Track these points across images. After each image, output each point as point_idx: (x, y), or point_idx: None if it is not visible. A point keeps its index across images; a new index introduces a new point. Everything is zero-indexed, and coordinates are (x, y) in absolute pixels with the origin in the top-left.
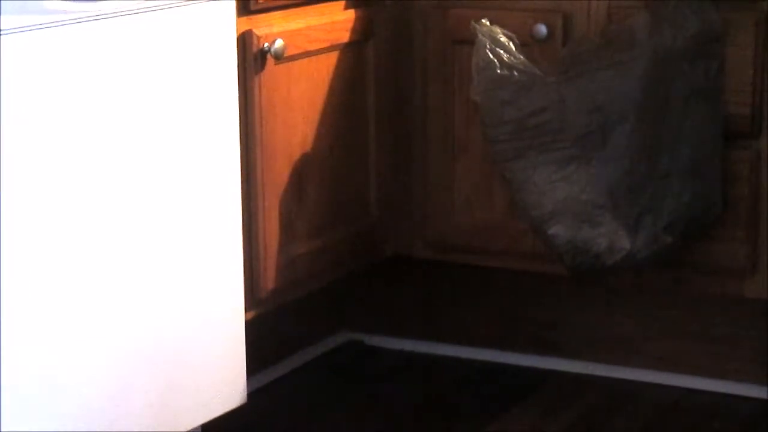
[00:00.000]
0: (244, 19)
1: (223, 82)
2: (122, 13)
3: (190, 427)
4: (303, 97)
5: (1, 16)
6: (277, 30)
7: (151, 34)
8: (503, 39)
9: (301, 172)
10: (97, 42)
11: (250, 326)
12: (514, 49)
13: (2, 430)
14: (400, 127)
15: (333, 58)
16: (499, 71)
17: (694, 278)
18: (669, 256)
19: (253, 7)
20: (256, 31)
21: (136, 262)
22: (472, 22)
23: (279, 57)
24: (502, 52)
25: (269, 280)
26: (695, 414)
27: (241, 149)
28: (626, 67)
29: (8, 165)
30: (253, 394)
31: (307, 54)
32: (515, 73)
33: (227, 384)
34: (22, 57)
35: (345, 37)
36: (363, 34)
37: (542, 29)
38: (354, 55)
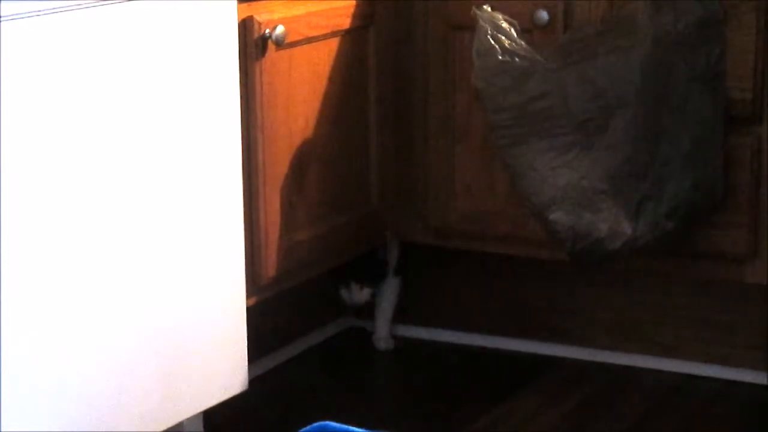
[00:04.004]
0: (245, 5)
1: (224, 69)
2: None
3: (191, 414)
4: (304, 83)
5: (1, 1)
6: (278, 16)
7: (152, 20)
8: (504, 25)
9: (302, 158)
10: (98, 28)
11: (251, 313)
12: (515, 35)
13: (2, 429)
14: (400, 114)
15: (334, 44)
16: (500, 57)
17: (695, 264)
18: (670, 242)
19: None
20: (257, 18)
21: (137, 250)
22: (473, 8)
23: (280, 43)
24: (503, 38)
25: (270, 266)
26: (696, 399)
27: (242, 136)
28: (627, 52)
29: (9, 154)
30: (254, 381)
31: (308, 40)
32: (516, 59)
33: (229, 370)
34: (22, 43)
35: (346, 23)
36: (364, 20)
37: (543, 15)
38: (355, 41)
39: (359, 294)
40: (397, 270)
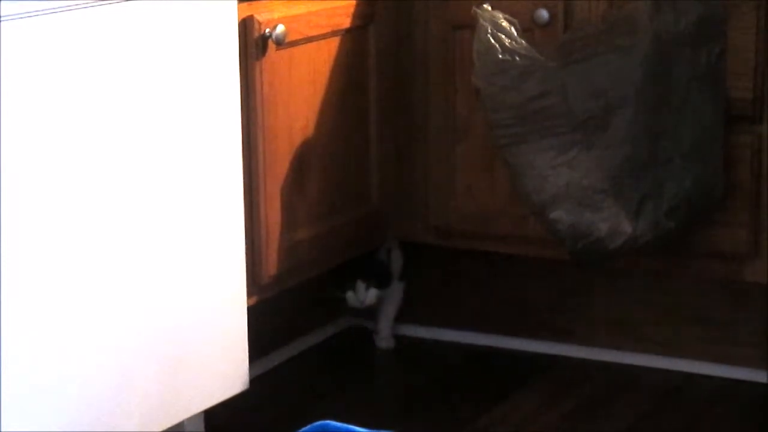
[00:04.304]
0: (245, 4)
1: (225, 68)
2: None
3: (192, 413)
4: (304, 83)
5: (1, 1)
6: (278, 15)
7: (152, 20)
8: (504, 24)
9: (303, 158)
10: (98, 28)
11: (252, 312)
12: (515, 34)
13: (2, 429)
14: (401, 113)
15: (334, 43)
16: (500, 56)
17: (695, 262)
18: (670, 241)
19: None
20: (258, 17)
21: (137, 250)
22: (474, 7)
23: (280, 43)
24: (503, 37)
25: (271, 266)
26: (696, 398)
27: (242, 135)
28: (628, 51)
29: (9, 153)
30: (255, 380)
31: (309, 39)
32: (517, 58)
33: (229, 370)
34: (22, 43)
35: (346, 22)
36: (364, 19)
37: (544, 14)
38: (355, 40)
39: (365, 294)
40: (402, 274)
